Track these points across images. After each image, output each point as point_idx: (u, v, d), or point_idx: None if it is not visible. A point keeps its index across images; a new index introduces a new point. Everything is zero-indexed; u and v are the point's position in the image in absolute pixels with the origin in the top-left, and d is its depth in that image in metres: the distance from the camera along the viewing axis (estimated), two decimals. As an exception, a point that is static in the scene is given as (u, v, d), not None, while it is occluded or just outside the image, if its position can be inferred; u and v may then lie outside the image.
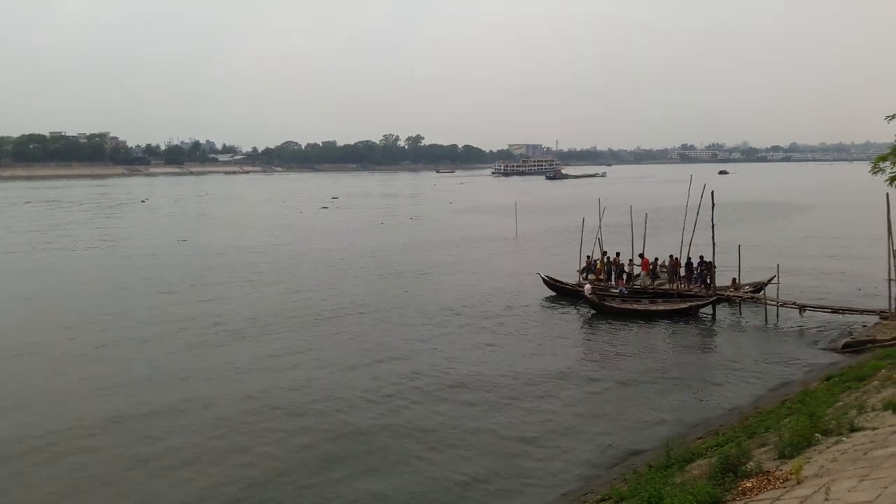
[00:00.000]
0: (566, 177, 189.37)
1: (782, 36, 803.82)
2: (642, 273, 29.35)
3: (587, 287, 26.77)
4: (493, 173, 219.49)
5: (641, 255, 29.53)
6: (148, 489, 12.52)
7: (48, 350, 21.40)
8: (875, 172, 22.31)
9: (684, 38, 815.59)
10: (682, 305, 25.39)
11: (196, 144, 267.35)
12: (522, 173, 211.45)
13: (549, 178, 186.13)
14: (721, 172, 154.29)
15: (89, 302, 28.49)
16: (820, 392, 13.82)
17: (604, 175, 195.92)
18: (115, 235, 53.57)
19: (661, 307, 25.63)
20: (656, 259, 29.80)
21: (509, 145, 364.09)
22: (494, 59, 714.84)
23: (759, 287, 26.84)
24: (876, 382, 12.83)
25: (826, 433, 9.41)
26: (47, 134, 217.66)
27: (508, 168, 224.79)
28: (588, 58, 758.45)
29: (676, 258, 28.15)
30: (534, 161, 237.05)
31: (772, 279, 25.65)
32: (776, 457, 8.95)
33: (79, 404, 16.67)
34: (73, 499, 12.36)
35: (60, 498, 12.34)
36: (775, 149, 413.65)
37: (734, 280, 26.92)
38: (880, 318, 22.49)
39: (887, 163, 22.00)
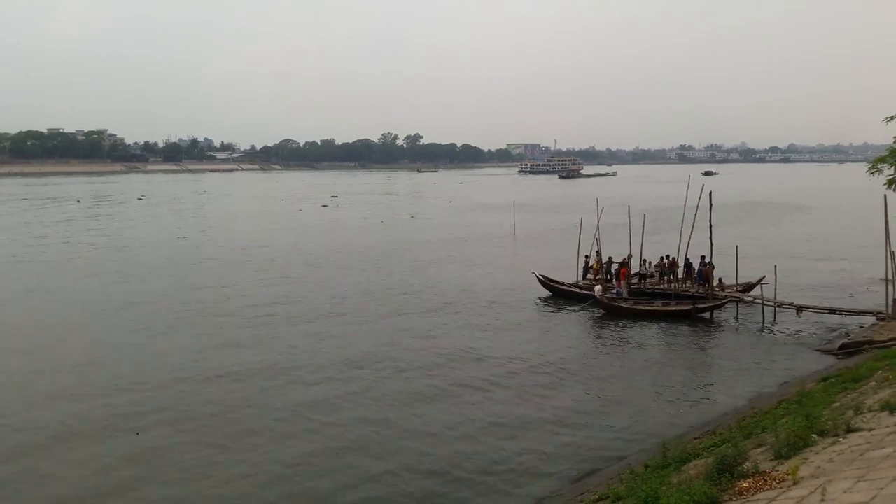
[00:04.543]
0: (579, 175, 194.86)
1: (782, 37, 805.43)
2: (622, 282, 27.89)
3: (597, 288, 26.69)
4: (520, 171, 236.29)
5: (622, 264, 28.56)
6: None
7: (47, 346, 21.36)
8: (873, 174, 22.39)
9: (683, 39, 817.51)
10: (692, 307, 25.16)
11: (194, 142, 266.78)
12: (546, 172, 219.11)
13: (562, 176, 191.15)
14: (706, 173, 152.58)
15: (86, 300, 28.48)
16: (817, 393, 13.82)
17: (614, 174, 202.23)
18: (113, 234, 53.47)
19: (671, 308, 25.53)
20: (650, 262, 29.47)
21: (508, 144, 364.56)
22: (494, 58, 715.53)
23: (749, 287, 26.83)
24: (873, 383, 12.83)
25: (823, 434, 9.41)
26: (45, 131, 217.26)
27: (535, 167, 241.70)
28: (587, 58, 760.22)
29: (674, 258, 28.13)
30: (558, 160, 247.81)
31: (761, 279, 25.58)
32: (773, 457, 8.94)
33: (85, 401, 16.68)
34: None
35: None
36: (773, 149, 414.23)
37: (719, 280, 26.88)
38: (877, 318, 22.48)
39: (885, 164, 22.09)
